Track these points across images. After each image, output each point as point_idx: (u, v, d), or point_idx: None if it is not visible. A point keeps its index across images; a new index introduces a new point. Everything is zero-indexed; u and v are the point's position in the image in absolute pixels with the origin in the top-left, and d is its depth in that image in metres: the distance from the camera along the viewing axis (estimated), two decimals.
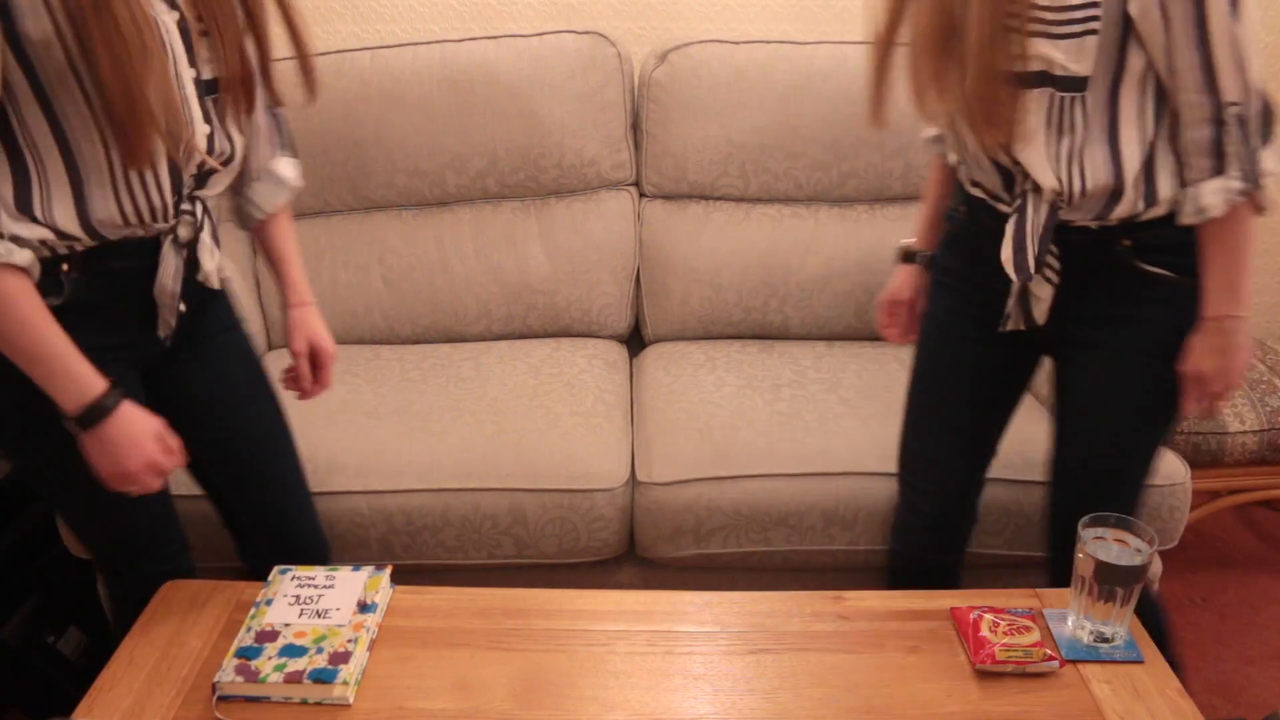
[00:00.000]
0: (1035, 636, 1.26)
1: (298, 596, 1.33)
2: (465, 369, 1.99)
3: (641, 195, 2.23)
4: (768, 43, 2.12)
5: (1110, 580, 1.24)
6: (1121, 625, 1.28)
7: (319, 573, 1.37)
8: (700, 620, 1.34)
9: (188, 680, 1.23)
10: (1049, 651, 1.24)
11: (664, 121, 2.14)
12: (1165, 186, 1.16)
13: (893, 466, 1.60)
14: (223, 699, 1.20)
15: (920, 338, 1.48)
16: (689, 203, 2.19)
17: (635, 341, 2.27)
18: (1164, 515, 1.68)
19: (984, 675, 1.24)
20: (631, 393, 2.04)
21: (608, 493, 1.70)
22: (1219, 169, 1.11)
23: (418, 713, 1.19)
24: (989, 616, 1.29)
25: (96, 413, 1.10)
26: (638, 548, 1.76)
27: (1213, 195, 1.12)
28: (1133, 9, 1.07)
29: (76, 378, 1.09)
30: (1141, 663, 1.26)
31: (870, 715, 1.19)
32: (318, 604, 1.31)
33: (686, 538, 1.70)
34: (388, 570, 1.39)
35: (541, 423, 1.80)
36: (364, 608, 1.31)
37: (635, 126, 2.19)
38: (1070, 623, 1.30)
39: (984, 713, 1.19)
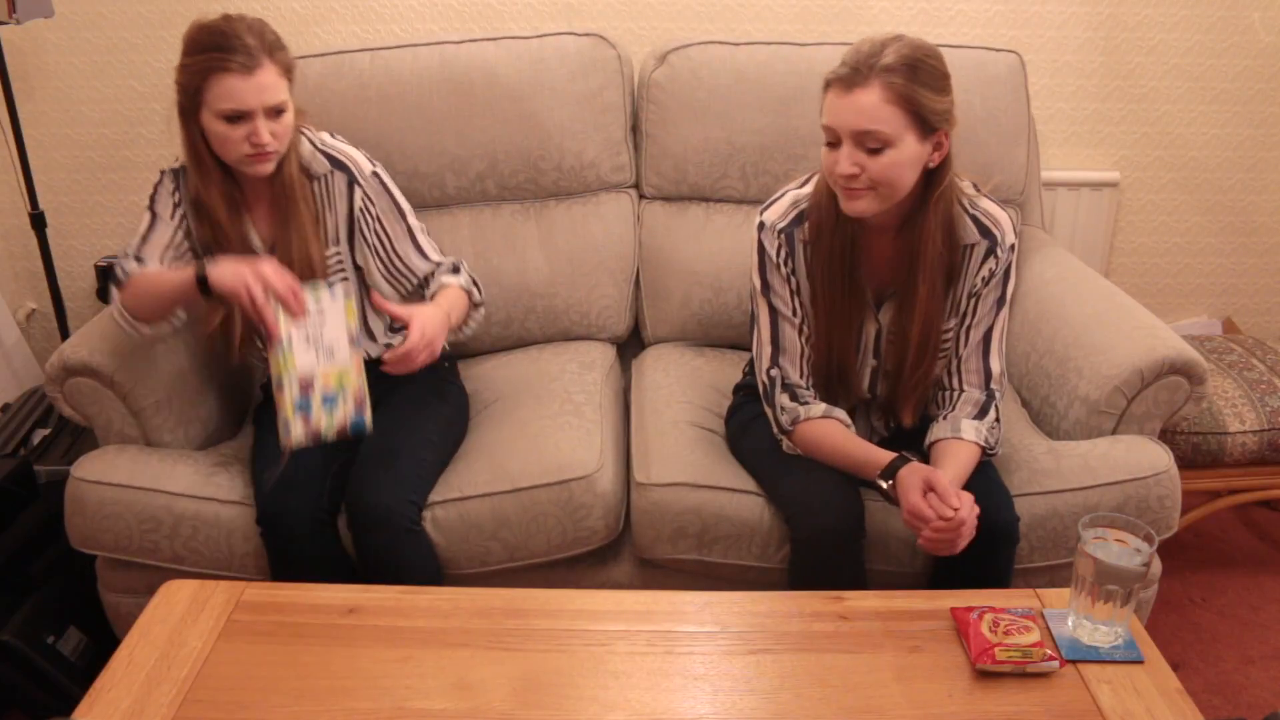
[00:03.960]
0: (1035, 636, 1.26)
1: (306, 336, 1.48)
2: None
3: (641, 197, 2.23)
4: (768, 43, 2.12)
5: (1110, 580, 1.24)
6: (1121, 625, 1.28)
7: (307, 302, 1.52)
8: (700, 620, 1.34)
9: (188, 680, 1.23)
10: (1049, 651, 1.24)
11: (664, 123, 2.14)
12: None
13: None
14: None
15: None
16: (689, 205, 2.19)
17: (635, 344, 2.26)
18: (1154, 505, 1.68)
19: (984, 675, 1.24)
20: (629, 394, 2.05)
21: (583, 480, 1.70)
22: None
23: (418, 713, 1.19)
24: (989, 616, 1.29)
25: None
26: (637, 548, 1.76)
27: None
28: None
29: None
30: (1141, 663, 1.26)
31: (870, 715, 1.19)
32: (322, 340, 1.51)
33: (687, 541, 1.70)
34: (339, 286, 1.55)
35: (511, 430, 1.81)
36: (353, 341, 1.53)
37: (635, 128, 2.19)
38: (1070, 623, 1.31)
39: (984, 713, 1.19)
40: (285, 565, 1.64)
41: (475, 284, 1.82)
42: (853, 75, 1.39)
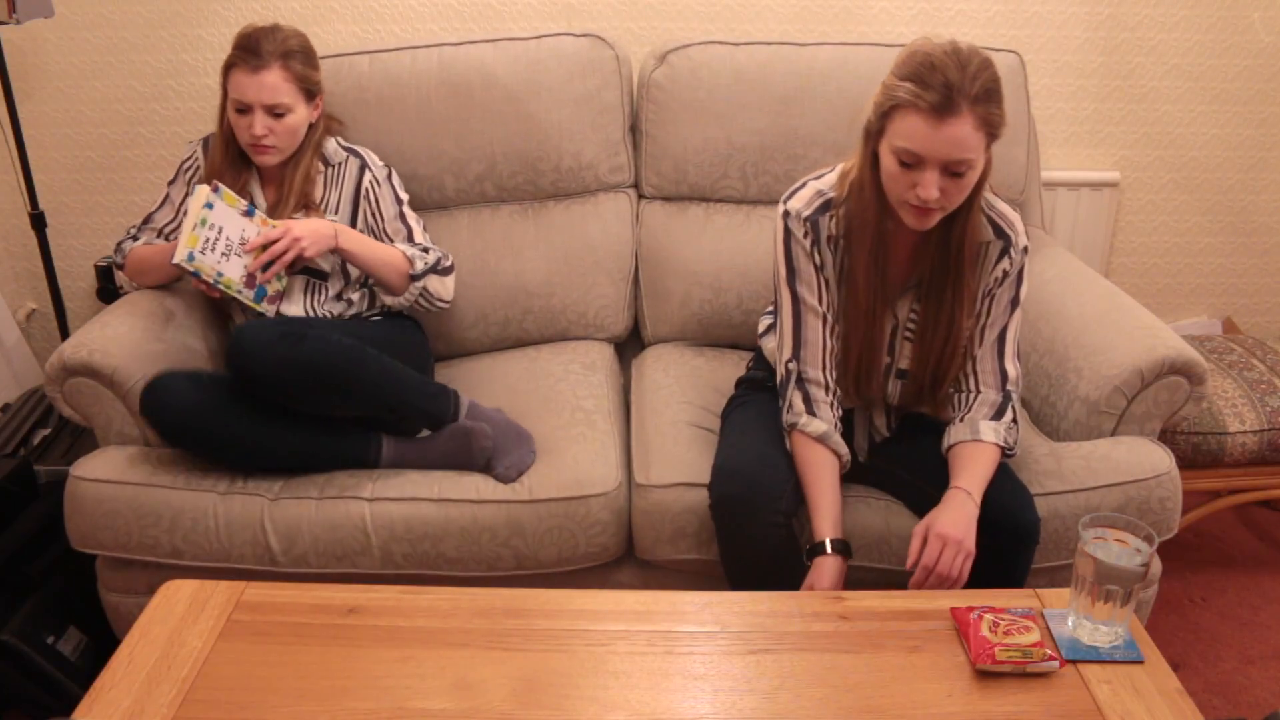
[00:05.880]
0: (1035, 636, 1.26)
1: (221, 253, 1.76)
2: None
3: (641, 197, 2.23)
4: (768, 43, 2.12)
5: (1110, 580, 1.24)
6: (1121, 625, 1.28)
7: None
8: (700, 620, 1.34)
9: (188, 680, 1.23)
10: (1049, 651, 1.24)
11: (663, 123, 2.14)
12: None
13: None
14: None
15: None
16: (689, 204, 2.19)
17: (635, 344, 2.26)
18: (1155, 507, 1.68)
19: (984, 675, 1.24)
20: (629, 393, 2.05)
21: (602, 497, 1.70)
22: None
23: (418, 713, 1.19)
24: (989, 616, 1.29)
25: None
26: (637, 549, 1.76)
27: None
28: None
29: None
30: (1141, 663, 1.26)
31: (870, 715, 1.19)
32: (231, 244, 1.77)
33: (686, 541, 1.70)
34: (200, 189, 1.74)
35: None
36: (246, 214, 1.80)
37: (634, 128, 2.19)
38: (1070, 623, 1.31)
39: (984, 713, 1.19)
40: (172, 432, 1.69)
41: (431, 266, 1.92)
42: (944, 104, 1.35)
